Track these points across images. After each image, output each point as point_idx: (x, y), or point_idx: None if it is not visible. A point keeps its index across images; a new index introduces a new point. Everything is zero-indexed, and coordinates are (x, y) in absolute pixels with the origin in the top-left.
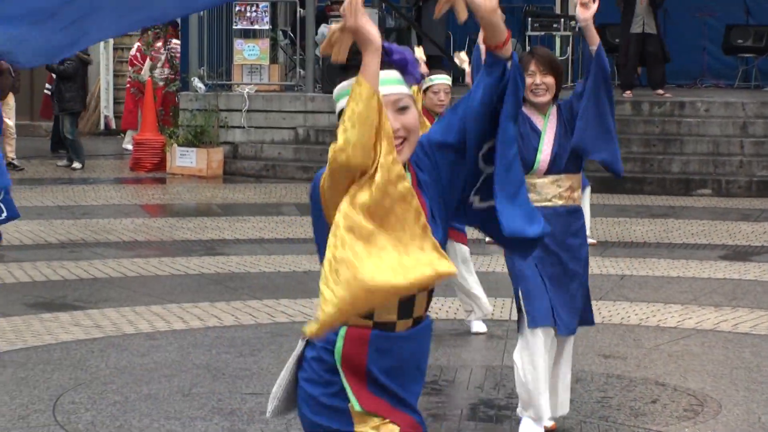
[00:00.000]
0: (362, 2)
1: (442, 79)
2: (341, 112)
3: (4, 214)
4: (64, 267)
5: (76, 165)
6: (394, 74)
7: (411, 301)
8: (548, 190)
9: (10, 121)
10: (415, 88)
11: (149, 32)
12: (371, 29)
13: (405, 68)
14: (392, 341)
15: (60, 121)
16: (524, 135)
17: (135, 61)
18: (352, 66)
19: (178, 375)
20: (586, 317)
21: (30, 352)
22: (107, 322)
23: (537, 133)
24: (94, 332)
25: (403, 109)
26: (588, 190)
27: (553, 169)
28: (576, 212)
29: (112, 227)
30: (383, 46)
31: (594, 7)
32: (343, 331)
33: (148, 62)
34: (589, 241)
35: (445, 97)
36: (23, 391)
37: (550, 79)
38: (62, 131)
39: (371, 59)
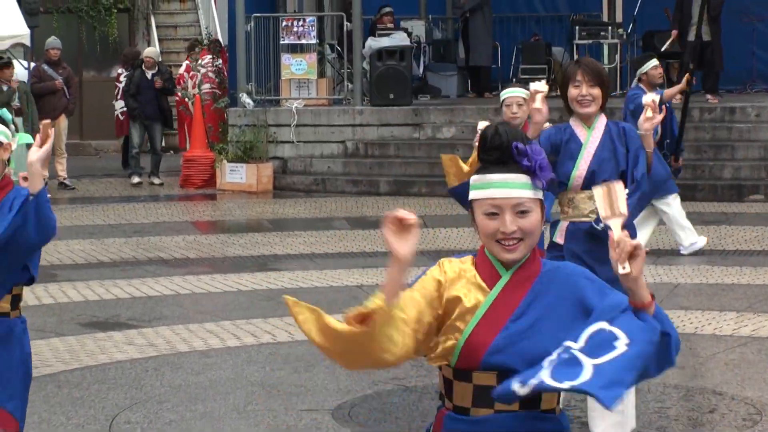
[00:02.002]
0: (393, 224)
1: (514, 93)
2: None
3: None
4: (116, 286)
5: (156, 180)
6: (519, 178)
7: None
8: (585, 205)
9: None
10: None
11: (196, 49)
12: (399, 247)
13: (534, 173)
14: (465, 424)
15: (152, 137)
16: (565, 145)
17: (182, 80)
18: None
19: (233, 392)
20: None
21: (85, 372)
22: (161, 341)
23: (578, 146)
24: (148, 351)
25: (522, 213)
26: (670, 197)
27: (589, 185)
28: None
29: (163, 245)
30: (516, 147)
31: (658, 118)
32: (437, 412)
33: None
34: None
35: (518, 109)
36: (79, 411)
37: (596, 91)
38: (154, 146)
39: (391, 272)
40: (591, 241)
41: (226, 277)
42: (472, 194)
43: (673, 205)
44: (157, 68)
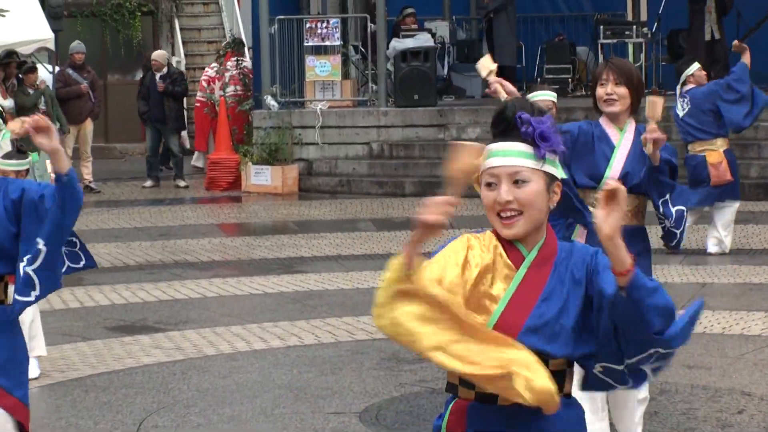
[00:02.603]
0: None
1: (543, 96)
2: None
3: (83, 262)
4: (143, 289)
5: (181, 183)
6: (517, 146)
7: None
8: None
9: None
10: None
11: (220, 52)
12: (427, 218)
13: (534, 142)
14: (489, 413)
15: (166, 140)
16: (596, 143)
17: (211, 83)
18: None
19: (260, 396)
20: None
21: (112, 376)
22: (188, 344)
23: (611, 147)
24: (175, 354)
25: (518, 183)
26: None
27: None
28: (639, 233)
29: (189, 248)
30: (519, 117)
31: (662, 138)
32: (451, 403)
33: (222, 81)
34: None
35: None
36: (106, 415)
37: (622, 90)
38: (170, 149)
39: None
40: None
41: (252, 280)
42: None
43: (730, 210)
44: (166, 71)
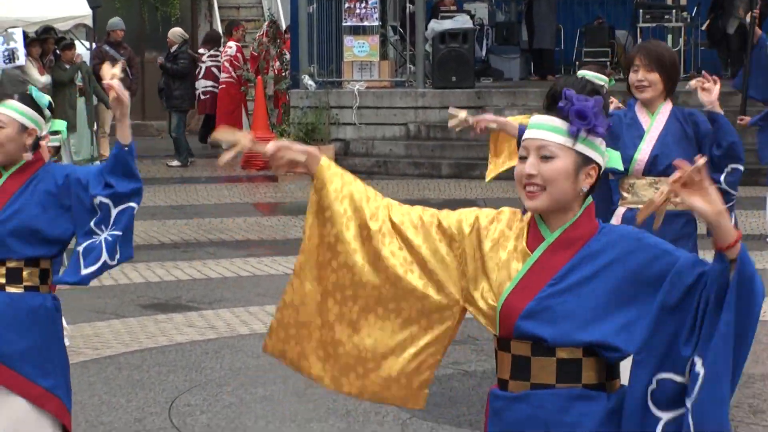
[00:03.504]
0: None
1: (589, 76)
2: None
3: (118, 256)
4: (177, 267)
5: (174, 163)
6: (552, 121)
7: (526, 363)
8: (645, 192)
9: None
10: None
11: (238, 30)
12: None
13: (567, 118)
14: (503, 401)
15: (168, 118)
16: (627, 131)
17: (236, 62)
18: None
19: (292, 376)
20: None
21: (145, 354)
22: (221, 323)
23: (640, 131)
24: (208, 333)
25: (546, 158)
26: None
27: (651, 170)
28: (677, 217)
29: (224, 226)
30: (564, 92)
31: (716, 89)
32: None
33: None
34: None
35: None
36: (139, 393)
37: (654, 76)
38: (168, 128)
39: None
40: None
41: (287, 260)
42: None
43: None
44: (175, 48)
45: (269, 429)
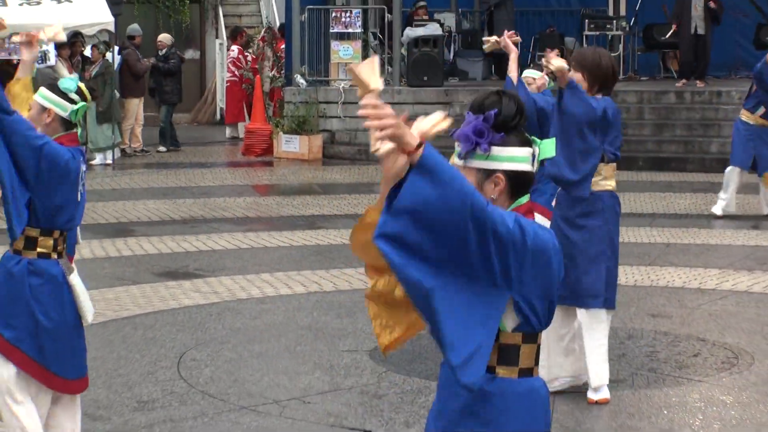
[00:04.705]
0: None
1: (528, 73)
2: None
3: None
4: (186, 240)
5: (161, 149)
6: (456, 146)
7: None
8: None
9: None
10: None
11: (241, 36)
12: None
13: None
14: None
15: (160, 111)
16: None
17: (238, 63)
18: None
19: (284, 335)
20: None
21: (157, 316)
22: (223, 289)
23: None
24: (212, 298)
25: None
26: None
27: None
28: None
29: (227, 205)
30: (466, 116)
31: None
32: None
33: (257, 62)
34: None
35: (531, 84)
36: (152, 349)
37: (578, 75)
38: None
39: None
40: (567, 205)
41: (281, 234)
42: None
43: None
44: (165, 50)
45: (264, 381)
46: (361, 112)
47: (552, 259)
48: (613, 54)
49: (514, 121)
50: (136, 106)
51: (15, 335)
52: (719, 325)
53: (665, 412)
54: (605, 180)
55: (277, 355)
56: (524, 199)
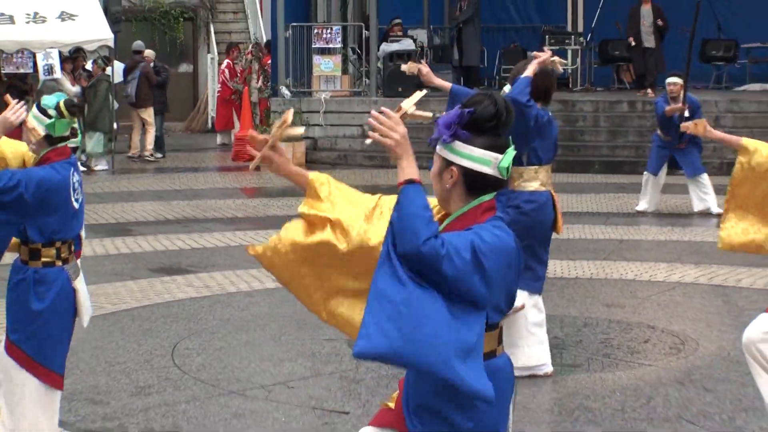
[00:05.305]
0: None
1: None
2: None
3: None
4: (179, 239)
5: (158, 155)
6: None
7: None
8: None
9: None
10: None
11: (234, 51)
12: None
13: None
14: None
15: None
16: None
17: (225, 74)
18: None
19: (270, 325)
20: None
21: (153, 308)
22: (214, 283)
23: None
24: (203, 291)
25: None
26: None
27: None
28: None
29: (217, 206)
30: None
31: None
32: None
33: (244, 74)
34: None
35: None
36: (148, 339)
37: None
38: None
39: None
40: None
41: (267, 233)
42: None
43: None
44: (153, 64)
45: (251, 367)
46: (369, 120)
47: (512, 263)
48: (571, 67)
49: (487, 124)
50: (152, 116)
51: (18, 338)
52: (667, 313)
53: (618, 393)
54: (526, 182)
55: (263, 344)
56: (487, 197)
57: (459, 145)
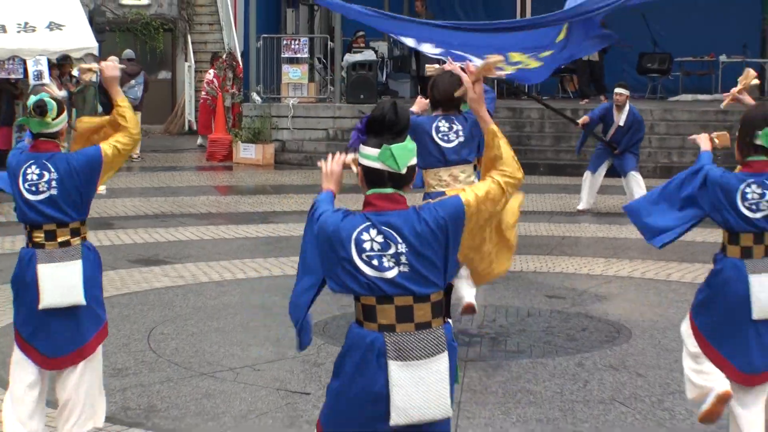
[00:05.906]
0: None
1: None
2: None
3: None
4: (157, 232)
5: (133, 155)
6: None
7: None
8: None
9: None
10: None
11: (217, 60)
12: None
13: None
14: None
15: None
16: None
17: (209, 84)
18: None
19: (239, 313)
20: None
21: (132, 296)
22: (188, 273)
23: None
24: (178, 281)
25: None
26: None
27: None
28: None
29: (192, 203)
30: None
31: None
32: None
33: (220, 81)
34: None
35: None
36: (126, 325)
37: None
38: None
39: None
40: None
41: (238, 227)
42: None
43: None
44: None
45: (221, 351)
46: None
47: (344, 243)
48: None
49: (376, 126)
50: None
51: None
52: (604, 305)
53: (557, 378)
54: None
55: (233, 330)
56: (385, 190)
57: (362, 146)
